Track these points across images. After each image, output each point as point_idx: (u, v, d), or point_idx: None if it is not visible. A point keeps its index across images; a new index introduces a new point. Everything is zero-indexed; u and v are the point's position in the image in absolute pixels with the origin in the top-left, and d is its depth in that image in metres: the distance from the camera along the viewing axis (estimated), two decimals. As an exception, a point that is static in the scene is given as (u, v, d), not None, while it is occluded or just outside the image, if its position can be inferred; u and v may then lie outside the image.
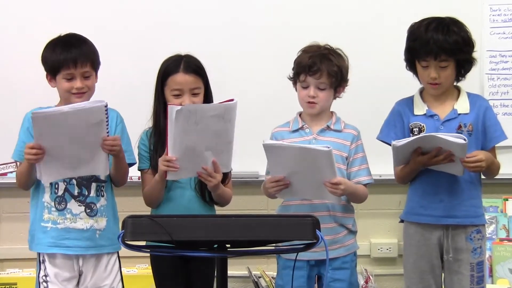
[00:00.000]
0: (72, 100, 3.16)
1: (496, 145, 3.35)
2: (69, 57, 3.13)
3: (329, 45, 3.30)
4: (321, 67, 3.21)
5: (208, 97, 3.29)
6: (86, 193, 3.17)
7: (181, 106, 2.98)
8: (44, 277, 3.15)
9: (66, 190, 3.15)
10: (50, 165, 3.03)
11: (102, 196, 3.21)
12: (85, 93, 3.16)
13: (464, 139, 3.08)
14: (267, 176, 3.25)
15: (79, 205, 3.16)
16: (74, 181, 3.16)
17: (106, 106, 2.99)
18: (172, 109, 2.96)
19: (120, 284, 3.25)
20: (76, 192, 3.16)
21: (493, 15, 4.17)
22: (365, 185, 3.30)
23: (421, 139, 3.17)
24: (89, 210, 3.17)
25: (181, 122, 2.96)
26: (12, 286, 4.01)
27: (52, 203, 3.15)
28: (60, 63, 3.13)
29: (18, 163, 3.22)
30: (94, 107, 2.98)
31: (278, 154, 3.09)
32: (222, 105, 3.01)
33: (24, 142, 3.13)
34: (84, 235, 3.15)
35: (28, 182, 3.18)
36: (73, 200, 3.15)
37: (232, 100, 3.01)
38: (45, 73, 3.21)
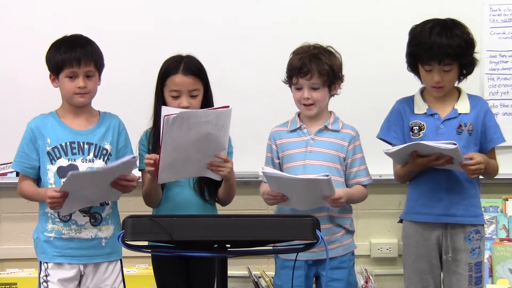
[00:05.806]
0: (74, 100, 3.16)
1: (496, 146, 3.34)
2: (74, 55, 3.12)
3: (319, 44, 3.29)
4: (311, 68, 3.21)
5: (208, 99, 3.28)
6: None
7: (176, 114, 2.93)
8: (44, 277, 3.15)
9: None
10: (70, 202, 3.04)
11: (107, 204, 3.20)
12: (88, 94, 3.16)
13: (454, 143, 3.07)
14: (265, 165, 3.25)
15: (83, 216, 3.15)
16: None
17: (134, 157, 3.07)
18: (168, 119, 2.92)
19: (122, 285, 3.24)
20: None
21: (493, 15, 4.17)
22: (364, 185, 3.31)
23: (411, 146, 3.17)
24: (93, 220, 3.16)
25: (175, 128, 2.94)
26: (12, 286, 4.01)
27: (56, 214, 3.13)
28: (63, 61, 3.12)
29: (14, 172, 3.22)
30: (129, 161, 3.01)
31: (278, 182, 3.11)
32: (215, 111, 2.99)
33: (25, 153, 3.16)
34: (89, 244, 3.15)
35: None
36: (77, 211, 3.14)
37: (227, 106, 2.98)
38: (48, 73, 3.20)
